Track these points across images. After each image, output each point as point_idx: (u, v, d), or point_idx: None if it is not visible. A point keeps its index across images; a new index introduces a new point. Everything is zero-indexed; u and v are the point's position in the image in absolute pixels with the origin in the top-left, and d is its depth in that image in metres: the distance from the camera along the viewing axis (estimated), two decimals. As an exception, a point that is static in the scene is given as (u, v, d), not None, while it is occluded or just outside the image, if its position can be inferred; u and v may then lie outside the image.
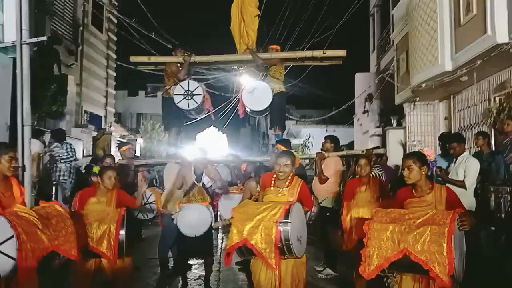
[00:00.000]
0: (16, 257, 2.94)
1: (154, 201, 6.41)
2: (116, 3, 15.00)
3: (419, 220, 2.95)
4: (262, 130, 8.70)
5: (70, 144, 7.93)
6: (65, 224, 3.44)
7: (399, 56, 10.19)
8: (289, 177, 3.83)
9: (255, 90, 6.37)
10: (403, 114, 10.44)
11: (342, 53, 6.60)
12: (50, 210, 3.48)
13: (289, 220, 3.44)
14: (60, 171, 7.55)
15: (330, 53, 6.61)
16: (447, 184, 4.30)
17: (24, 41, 6.17)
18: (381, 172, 6.12)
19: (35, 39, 6.29)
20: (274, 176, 3.85)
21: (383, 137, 11.14)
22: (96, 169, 4.86)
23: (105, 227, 3.95)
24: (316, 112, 26.31)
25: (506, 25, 6.08)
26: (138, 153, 13.29)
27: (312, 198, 4.98)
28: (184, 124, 7.31)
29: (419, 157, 3.37)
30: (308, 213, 6.26)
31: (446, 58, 7.49)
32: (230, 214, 3.98)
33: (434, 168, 4.94)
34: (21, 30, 6.15)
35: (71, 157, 7.70)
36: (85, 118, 12.40)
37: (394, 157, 8.63)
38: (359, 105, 14.11)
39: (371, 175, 5.17)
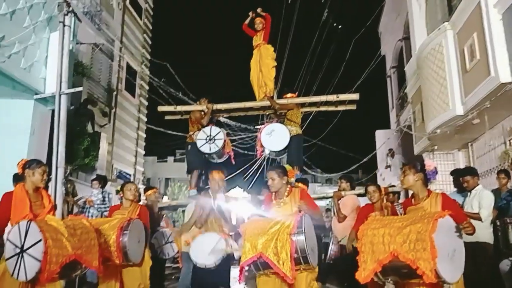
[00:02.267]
0: (41, 259, 3.21)
1: (174, 240, 6.65)
2: (148, 71, 16.19)
3: (407, 221, 3.09)
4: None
5: (109, 194, 8.14)
6: (89, 236, 3.71)
7: (415, 108, 10.52)
8: (287, 189, 4.05)
9: (273, 132, 6.72)
10: (423, 165, 10.50)
11: (355, 96, 6.98)
12: (76, 223, 3.79)
13: (302, 230, 3.51)
14: (90, 216, 7.82)
15: (343, 96, 6.98)
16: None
17: (63, 92, 6.93)
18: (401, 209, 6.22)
19: (72, 90, 7.03)
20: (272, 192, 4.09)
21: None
22: (118, 189, 5.24)
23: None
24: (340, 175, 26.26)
25: (508, 66, 6.41)
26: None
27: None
28: (206, 168, 7.64)
29: (414, 165, 3.58)
30: (329, 252, 6.38)
31: (457, 102, 7.78)
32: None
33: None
34: (60, 82, 6.93)
35: (106, 206, 7.85)
36: (115, 174, 12.99)
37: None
38: (381, 161, 14.27)
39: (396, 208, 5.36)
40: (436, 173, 3.70)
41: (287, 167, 4.81)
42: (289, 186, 4.12)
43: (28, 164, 3.82)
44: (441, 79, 8.26)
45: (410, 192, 3.83)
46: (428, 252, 2.85)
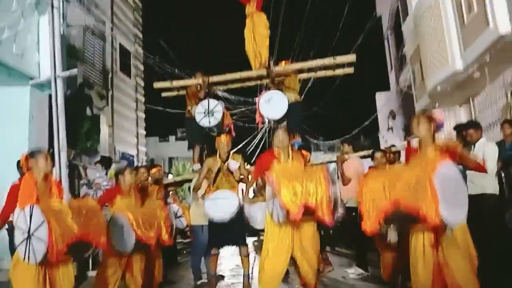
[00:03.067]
0: (47, 240, 3.26)
1: (182, 214, 6.71)
2: (142, 50, 15.99)
3: (407, 168, 3.10)
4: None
5: None
6: (95, 216, 3.75)
7: (414, 68, 10.40)
8: (289, 150, 4.16)
9: (271, 99, 6.64)
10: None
11: (352, 58, 6.88)
12: (82, 203, 3.85)
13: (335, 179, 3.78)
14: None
15: (340, 58, 6.88)
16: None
17: (58, 75, 6.85)
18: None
19: (67, 72, 6.94)
20: (276, 151, 4.14)
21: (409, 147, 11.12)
22: (111, 173, 5.22)
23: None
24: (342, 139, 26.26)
25: (507, 17, 6.28)
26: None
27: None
28: (207, 142, 7.62)
29: (428, 115, 3.56)
30: (335, 215, 6.43)
31: (456, 57, 7.69)
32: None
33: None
34: (54, 65, 6.84)
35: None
36: (118, 156, 13.00)
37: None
38: (383, 123, 14.23)
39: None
40: (443, 125, 3.62)
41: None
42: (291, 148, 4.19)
43: (30, 154, 3.85)
44: (439, 35, 8.13)
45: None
46: (429, 195, 2.87)
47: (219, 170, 5.18)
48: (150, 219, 4.53)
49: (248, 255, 5.19)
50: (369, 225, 3.20)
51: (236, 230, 5.04)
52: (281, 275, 4.24)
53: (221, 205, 4.92)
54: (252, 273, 6.55)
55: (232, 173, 5.20)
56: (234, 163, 5.14)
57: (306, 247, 3.96)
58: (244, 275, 5.11)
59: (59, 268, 3.58)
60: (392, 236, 3.27)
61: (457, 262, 3.20)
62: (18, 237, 3.42)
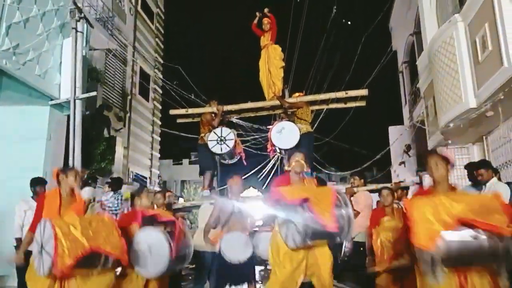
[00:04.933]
0: (53, 254, 3.33)
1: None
2: (161, 74, 16.37)
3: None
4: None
5: (121, 195, 8.32)
6: (107, 228, 3.71)
7: (427, 103, 10.41)
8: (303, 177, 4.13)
9: (283, 130, 6.76)
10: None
11: (363, 92, 6.98)
12: (92, 217, 3.93)
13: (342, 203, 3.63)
14: None
15: (352, 92, 6.99)
16: None
17: (77, 97, 7.09)
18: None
19: (86, 95, 7.20)
20: (290, 175, 4.15)
21: (420, 184, 11.01)
22: (126, 194, 5.25)
23: None
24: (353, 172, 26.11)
25: (521, 56, 6.32)
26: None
27: None
28: (218, 169, 7.72)
29: (445, 156, 3.41)
30: (343, 249, 6.38)
31: (470, 95, 7.68)
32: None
33: None
34: (75, 87, 7.11)
35: (117, 208, 8.05)
36: (131, 177, 13.18)
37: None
38: (395, 158, 14.15)
39: (395, 206, 5.36)
40: (453, 165, 3.56)
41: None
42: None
43: (62, 170, 4.05)
44: (453, 72, 8.16)
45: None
46: (503, 215, 2.74)
47: (231, 214, 5.09)
48: None
49: None
50: (418, 240, 2.83)
51: (248, 270, 4.97)
52: None
53: (237, 246, 4.83)
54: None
55: (244, 216, 5.14)
56: (245, 209, 5.10)
57: (321, 268, 3.88)
58: None
59: (76, 281, 3.60)
60: (439, 278, 2.84)
61: None
62: (34, 248, 3.56)
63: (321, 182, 6.28)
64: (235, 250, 4.84)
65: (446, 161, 3.38)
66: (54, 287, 3.56)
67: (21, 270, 4.31)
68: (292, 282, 3.90)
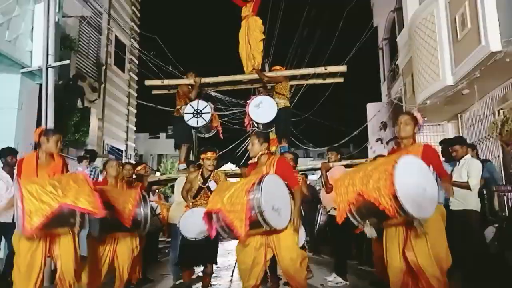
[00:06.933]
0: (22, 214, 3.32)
1: (160, 212, 6.70)
2: (137, 44, 15.94)
3: (375, 165, 3.19)
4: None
5: (95, 168, 8.10)
6: (78, 184, 3.61)
7: (405, 80, 10.49)
8: (266, 156, 4.06)
9: (261, 104, 6.68)
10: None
11: (342, 68, 6.94)
12: (63, 176, 3.85)
13: (261, 187, 3.46)
14: None
15: (331, 68, 6.94)
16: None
17: (50, 65, 6.82)
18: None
19: (59, 63, 6.93)
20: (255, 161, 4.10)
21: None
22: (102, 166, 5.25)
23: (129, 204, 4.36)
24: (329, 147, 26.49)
25: (498, 35, 6.36)
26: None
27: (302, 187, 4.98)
28: (195, 143, 7.65)
29: (415, 116, 3.60)
30: (318, 222, 6.47)
31: (447, 72, 7.76)
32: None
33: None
34: (47, 55, 6.82)
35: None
36: (106, 150, 12.94)
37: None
38: (373, 134, 14.32)
39: None
40: (420, 126, 3.70)
41: (271, 135, 4.85)
42: (268, 153, 4.11)
43: (44, 132, 4.03)
44: (432, 49, 8.21)
45: None
46: (388, 188, 2.93)
47: (200, 188, 5.06)
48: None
49: (211, 273, 5.14)
50: (338, 214, 3.31)
51: (208, 249, 4.91)
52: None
53: (193, 224, 4.70)
54: (232, 275, 6.58)
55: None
56: (214, 185, 4.93)
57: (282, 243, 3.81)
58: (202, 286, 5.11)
59: (57, 239, 3.69)
60: (369, 231, 3.30)
61: (424, 257, 3.25)
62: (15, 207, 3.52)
63: (295, 158, 6.28)
64: (192, 226, 4.77)
65: (414, 120, 3.56)
66: (39, 247, 3.61)
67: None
68: (258, 263, 3.80)
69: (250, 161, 4.30)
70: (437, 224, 3.35)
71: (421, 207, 3.04)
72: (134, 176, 6.28)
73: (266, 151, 4.07)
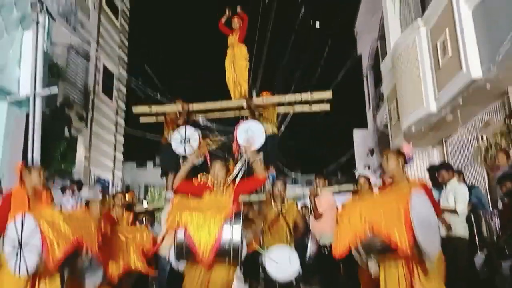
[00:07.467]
0: (41, 247, 3.16)
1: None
2: (126, 72, 15.99)
3: (385, 196, 3.12)
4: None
5: (81, 199, 7.87)
6: (86, 224, 3.59)
7: (390, 106, 10.66)
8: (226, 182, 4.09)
9: (249, 129, 6.64)
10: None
11: (328, 94, 6.99)
12: (71, 213, 3.93)
13: (239, 221, 3.50)
14: None
15: (317, 94, 6.99)
16: None
17: (37, 93, 6.81)
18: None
19: (47, 90, 6.92)
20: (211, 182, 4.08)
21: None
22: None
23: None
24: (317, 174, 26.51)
25: (479, 62, 6.54)
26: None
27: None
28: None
29: (397, 150, 3.59)
30: (308, 251, 6.37)
31: (430, 99, 7.91)
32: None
33: None
34: (35, 83, 6.82)
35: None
36: (93, 179, 12.77)
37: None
38: (359, 160, 14.40)
39: None
40: (411, 159, 3.65)
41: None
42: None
43: (26, 166, 3.95)
44: (415, 77, 8.39)
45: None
46: (403, 222, 2.85)
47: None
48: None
49: None
50: (339, 248, 3.10)
51: None
52: None
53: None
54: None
55: None
56: None
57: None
58: None
59: (45, 281, 3.39)
60: (373, 267, 3.17)
61: None
62: (8, 248, 3.25)
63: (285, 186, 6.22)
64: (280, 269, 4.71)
65: (397, 154, 3.51)
66: None
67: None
68: None
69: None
70: (440, 259, 3.34)
71: (433, 243, 3.01)
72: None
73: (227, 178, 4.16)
